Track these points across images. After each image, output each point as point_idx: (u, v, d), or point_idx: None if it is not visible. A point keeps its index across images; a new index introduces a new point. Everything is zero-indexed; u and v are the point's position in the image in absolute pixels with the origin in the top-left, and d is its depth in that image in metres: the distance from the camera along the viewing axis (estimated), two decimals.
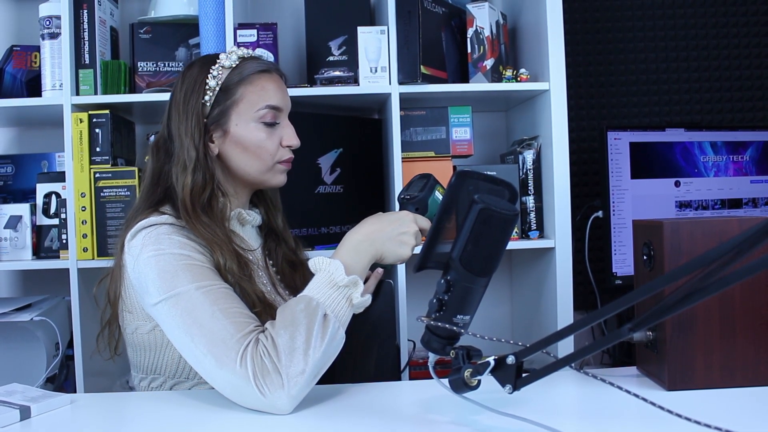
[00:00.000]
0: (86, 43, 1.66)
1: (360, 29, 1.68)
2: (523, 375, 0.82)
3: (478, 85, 1.74)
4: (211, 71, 1.18)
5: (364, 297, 1.03)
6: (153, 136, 1.79)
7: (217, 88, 1.18)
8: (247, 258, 1.16)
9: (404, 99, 1.70)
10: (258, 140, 1.19)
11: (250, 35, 1.66)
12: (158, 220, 1.10)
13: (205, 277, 1.03)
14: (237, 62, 1.19)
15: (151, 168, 1.21)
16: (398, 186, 1.66)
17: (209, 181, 1.16)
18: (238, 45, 1.64)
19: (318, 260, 1.04)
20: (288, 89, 1.27)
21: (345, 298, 1.01)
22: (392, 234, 1.07)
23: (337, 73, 1.71)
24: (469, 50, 1.77)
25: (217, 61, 1.19)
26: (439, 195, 1.14)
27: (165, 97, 1.65)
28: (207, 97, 1.18)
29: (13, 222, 1.68)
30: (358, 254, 1.06)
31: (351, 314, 1.03)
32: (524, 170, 1.75)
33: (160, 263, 1.04)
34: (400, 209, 1.13)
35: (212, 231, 1.11)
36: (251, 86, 1.19)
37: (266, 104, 1.19)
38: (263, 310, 1.09)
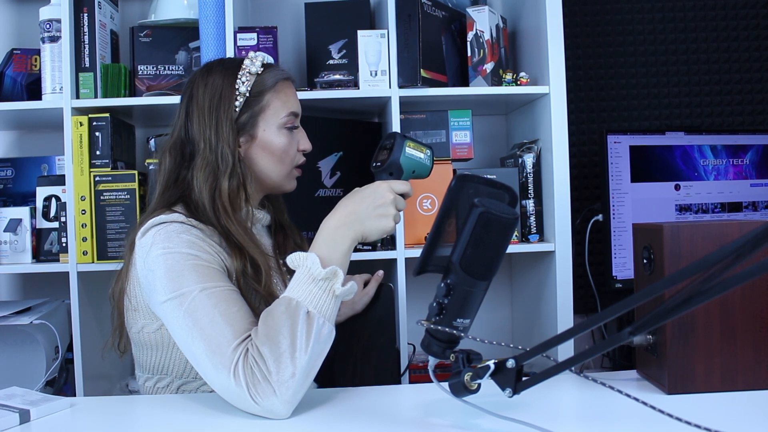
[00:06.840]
0: (86, 46, 1.66)
1: (360, 33, 1.68)
2: (523, 378, 0.82)
3: (478, 89, 1.74)
4: (239, 77, 1.19)
5: (347, 285, 1.01)
6: (154, 139, 1.79)
7: (247, 94, 1.19)
8: (267, 266, 1.15)
9: (404, 102, 1.70)
10: (283, 145, 1.22)
11: (250, 39, 1.66)
12: (169, 218, 1.10)
13: (211, 278, 1.03)
14: (261, 69, 1.21)
15: (167, 170, 1.20)
16: None
17: (242, 184, 1.18)
18: (239, 48, 1.64)
19: (295, 256, 1.02)
20: None
21: (326, 291, 0.99)
22: (369, 210, 1.06)
23: (337, 76, 1.71)
24: (469, 54, 1.77)
25: (243, 66, 1.20)
26: (410, 151, 1.11)
27: (165, 100, 1.66)
28: (237, 102, 1.19)
29: (13, 225, 1.68)
30: (335, 242, 1.05)
31: (337, 306, 1.01)
32: (524, 174, 1.75)
33: (168, 261, 1.04)
34: (375, 180, 1.11)
35: (245, 233, 1.13)
36: (277, 93, 1.22)
37: (290, 111, 1.23)
38: None
